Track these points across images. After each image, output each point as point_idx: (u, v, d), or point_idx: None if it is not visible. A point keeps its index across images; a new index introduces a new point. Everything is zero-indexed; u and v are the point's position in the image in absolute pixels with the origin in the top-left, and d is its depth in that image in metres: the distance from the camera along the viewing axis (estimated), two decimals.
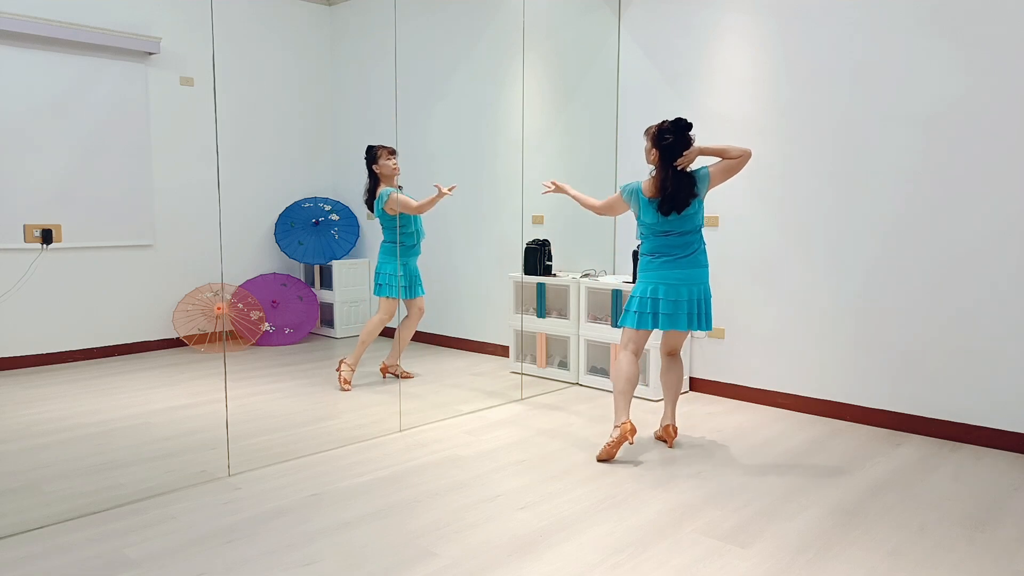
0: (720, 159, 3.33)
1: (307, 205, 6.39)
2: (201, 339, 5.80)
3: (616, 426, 3.34)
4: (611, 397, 4.50)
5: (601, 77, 4.99)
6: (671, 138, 3.27)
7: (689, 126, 3.29)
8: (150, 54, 5.49)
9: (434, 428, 3.87)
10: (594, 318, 4.76)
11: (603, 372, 4.74)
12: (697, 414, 4.14)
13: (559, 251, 5.15)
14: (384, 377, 4.89)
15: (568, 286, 4.86)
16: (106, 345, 5.38)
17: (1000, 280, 3.51)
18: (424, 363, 5.41)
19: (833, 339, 4.05)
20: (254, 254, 6.28)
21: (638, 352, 3.46)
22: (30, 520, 2.70)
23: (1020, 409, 3.50)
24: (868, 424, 3.94)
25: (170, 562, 2.40)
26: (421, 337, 6.10)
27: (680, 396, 4.55)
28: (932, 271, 3.70)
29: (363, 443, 3.61)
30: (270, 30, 6.23)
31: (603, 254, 5.08)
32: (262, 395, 4.44)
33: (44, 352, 5.03)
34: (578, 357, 4.81)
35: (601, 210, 3.65)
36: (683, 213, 3.32)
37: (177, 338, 5.75)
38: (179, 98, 5.72)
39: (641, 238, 3.49)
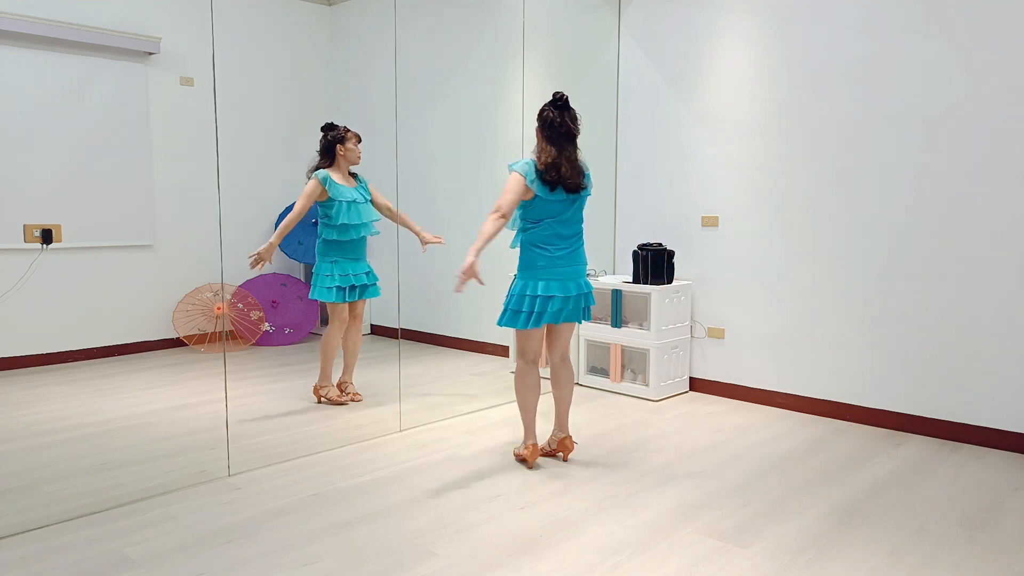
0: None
1: None
2: (201, 339, 5.79)
3: (528, 445, 3.26)
4: (611, 397, 4.50)
5: (601, 77, 4.99)
6: (558, 115, 3.13)
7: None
8: (150, 54, 5.48)
9: (434, 428, 3.87)
10: (594, 318, 4.75)
11: (603, 372, 4.74)
12: (697, 414, 4.14)
13: None
14: (341, 393, 4.33)
15: None
16: (106, 345, 5.37)
17: (1000, 280, 3.51)
18: (424, 363, 5.41)
19: (833, 339, 4.05)
20: None
21: (537, 360, 3.28)
22: (30, 520, 2.70)
23: (1020, 409, 3.50)
24: (868, 424, 3.94)
25: (170, 562, 2.40)
26: (421, 337, 6.10)
27: (680, 399, 4.55)
28: (932, 271, 3.70)
29: (363, 443, 3.61)
30: (270, 30, 6.23)
31: (603, 254, 5.07)
32: (262, 395, 4.44)
33: (44, 352, 5.02)
34: (578, 357, 4.81)
35: (509, 216, 3.10)
36: (576, 204, 3.20)
37: (177, 338, 5.75)
38: (179, 98, 5.71)
39: (531, 226, 3.17)
